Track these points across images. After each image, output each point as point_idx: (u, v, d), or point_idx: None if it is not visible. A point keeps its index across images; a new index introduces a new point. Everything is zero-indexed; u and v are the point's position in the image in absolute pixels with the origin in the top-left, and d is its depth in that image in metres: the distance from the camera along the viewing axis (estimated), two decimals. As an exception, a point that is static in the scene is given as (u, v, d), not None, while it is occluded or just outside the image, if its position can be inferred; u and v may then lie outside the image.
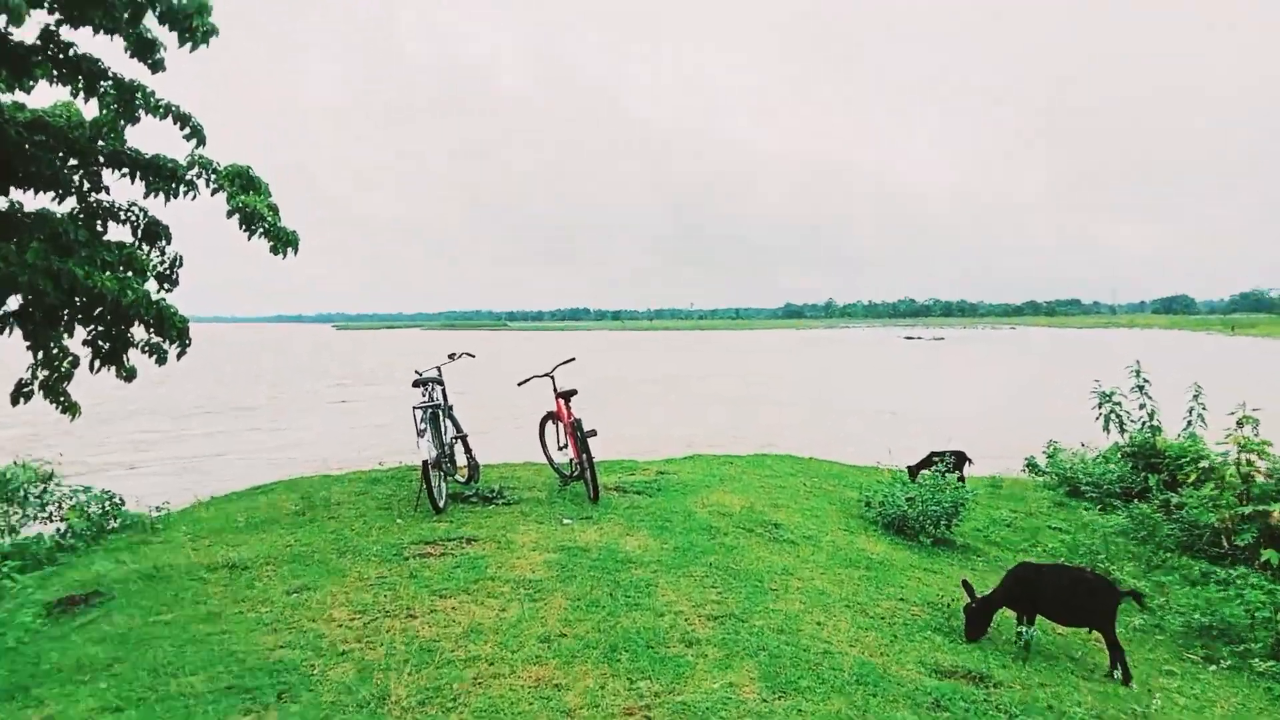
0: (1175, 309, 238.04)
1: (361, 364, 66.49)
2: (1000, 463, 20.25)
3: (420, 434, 6.94)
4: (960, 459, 11.73)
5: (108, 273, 8.42)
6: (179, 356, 9.29)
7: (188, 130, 9.12)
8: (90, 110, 8.27)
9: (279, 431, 26.69)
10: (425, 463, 6.92)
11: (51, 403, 9.03)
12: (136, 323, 8.87)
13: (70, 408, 9.54)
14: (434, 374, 8.04)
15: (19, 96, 7.93)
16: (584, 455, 7.75)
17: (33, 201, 7.78)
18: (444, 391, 8.26)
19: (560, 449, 8.66)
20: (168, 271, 9.60)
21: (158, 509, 8.05)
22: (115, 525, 8.06)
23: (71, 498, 8.68)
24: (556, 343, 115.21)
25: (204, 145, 8.79)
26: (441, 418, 7.96)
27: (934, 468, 11.35)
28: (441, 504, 7.23)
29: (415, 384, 7.59)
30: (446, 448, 7.64)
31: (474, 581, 5.42)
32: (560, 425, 8.53)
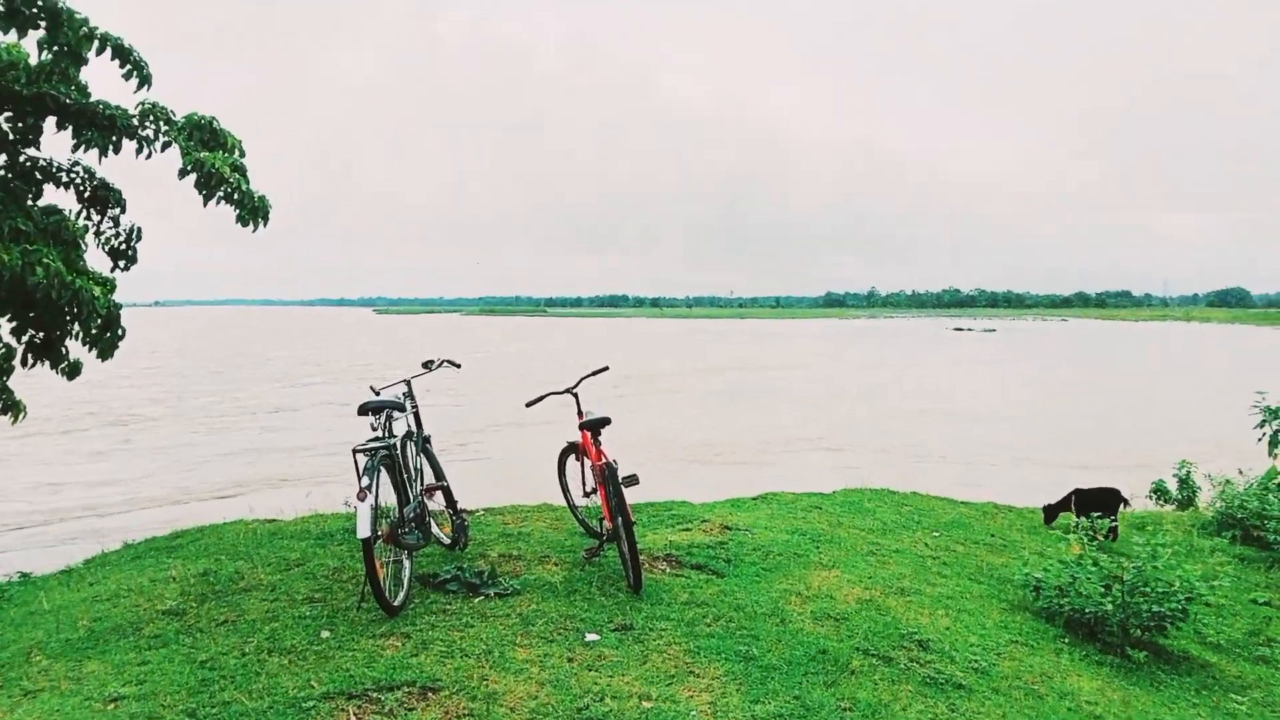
0: (1231, 301, 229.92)
1: (367, 349, 64.44)
2: (1102, 479, 17.32)
3: (362, 493, 4.30)
4: (1113, 499, 8.92)
5: (19, 245, 6.42)
6: (103, 353, 7.07)
7: (127, 68, 7.23)
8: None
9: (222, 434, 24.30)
10: (366, 542, 4.29)
11: (-12, 402, 7.12)
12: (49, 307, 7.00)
13: (14, 406, 7.63)
14: (397, 392, 5.41)
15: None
16: (619, 520, 5.10)
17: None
18: (416, 416, 5.63)
19: (587, 494, 6.05)
20: (123, 246, 7.73)
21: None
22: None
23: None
24: (595, 329, 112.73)
25: (149, 87, 6.76)
26: (409, 457, 5.34)
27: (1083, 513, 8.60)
28: (399, 600, 4.62)
29: (362, 411, 4.93)
30: (413, 506, 5.01)
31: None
32: (586, 463, 5.93)
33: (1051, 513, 9.02)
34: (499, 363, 50.12)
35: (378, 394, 5.18)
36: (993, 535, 7.89)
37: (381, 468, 4.64)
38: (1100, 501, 8.79)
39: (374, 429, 4.82)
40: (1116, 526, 8.59)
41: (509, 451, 19.72)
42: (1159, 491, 13.60)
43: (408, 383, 5.59)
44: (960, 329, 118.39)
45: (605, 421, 5.46)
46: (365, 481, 4.37)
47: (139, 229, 7.87)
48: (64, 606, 4.86)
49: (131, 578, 5.35)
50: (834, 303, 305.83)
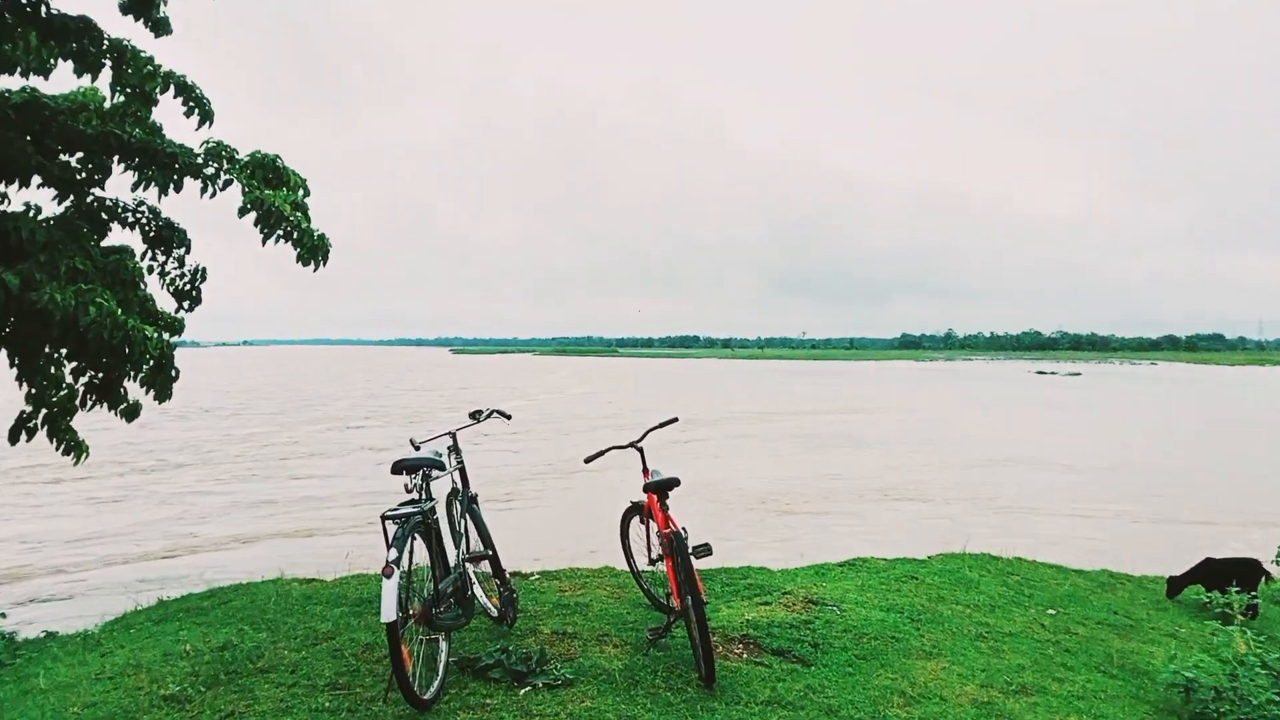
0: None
1: (437, 388, 64.78)
2: (1217, 536, 15.80)
3: (388, 568, 3.66)
4: (1252, 571, 7.81)
5: (75, 285, 6.22)
6: (159, 394, 6.79)
7: (190, 105, 7.29)
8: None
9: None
10: (391, 626, 3.66)
11: (54, 442, 6.99)
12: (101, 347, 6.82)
13: (76, 447, 7.47)
14: (440, 447, 4.79)
15: (34, 80, 6.45)
16: (688, 599, 4.37)
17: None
18: (462, 472, 5.02)
19: (653, 562, 5.36)
20: (187, 286, 7.46)
21: (16, 650, 5.08)
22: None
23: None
24: (666, 370, 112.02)
25: (211, 125, 6.78)
26: (453, 519, 4.74)
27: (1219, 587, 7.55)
28: (431, 692, 3.96)
29: (396, 469, 4.32)
30: (452, 579, 4.37)
31: None
32: (651, 526, 5.24)
33: (1177, 585, 7.93)
34: (567, 405, 49.58)
35: (417, 448, 4.57)
36: (1115, 612, 6.89)
37: (415, 535, 4.03)
38: (1236, 573, 7.70)
39: (408, 490, 4.20)
40: (1257, 603, 7.49)
41: (572, 504, 18.77)
42: (1288, 557, 12.27)
43: (452, 435, 4.98)
44: (1043, 372, 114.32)
45: (673, 483, 4.75)
46: (393, 554, 3.74)
47: (204, 269, 7.65)
48: (62, 686, 4.32)
49: (145, 650, 4.81)
50: (909, 344, 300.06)
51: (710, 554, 4.64)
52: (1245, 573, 7.72)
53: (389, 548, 3.79)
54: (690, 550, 4.53)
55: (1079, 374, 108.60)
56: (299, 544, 14.51)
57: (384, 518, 3.92)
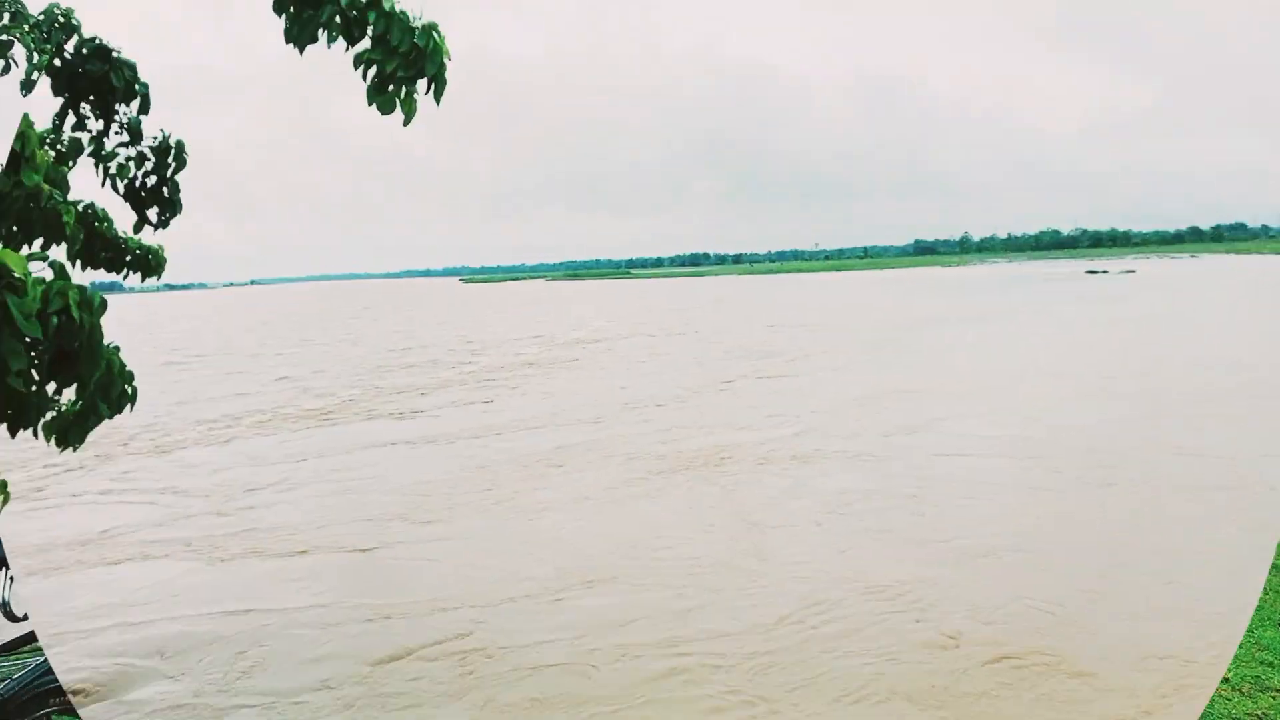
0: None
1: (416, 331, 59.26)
2: None
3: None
4: None
5: None
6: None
7: None
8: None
9: None
10: None
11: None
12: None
13: None
14: None
15: None
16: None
17: None
18: None
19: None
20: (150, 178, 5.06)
21: None
22: None
23: None
24: (696, 293, 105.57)
25: None
26: None
27: None
28: None
29: None
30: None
31: None
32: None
33: None
34: (621, 363, 34.19)
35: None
36: None
37: None
38: None
39: None
40: None
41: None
42: None
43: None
44: (1093, 271, 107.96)
45: None
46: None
47: (179, 143, 5.14)
48: None
49: None
50: (924, 250, 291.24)
51: None
52: None
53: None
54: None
55: (1133, 271, 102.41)
56: None
57: None
